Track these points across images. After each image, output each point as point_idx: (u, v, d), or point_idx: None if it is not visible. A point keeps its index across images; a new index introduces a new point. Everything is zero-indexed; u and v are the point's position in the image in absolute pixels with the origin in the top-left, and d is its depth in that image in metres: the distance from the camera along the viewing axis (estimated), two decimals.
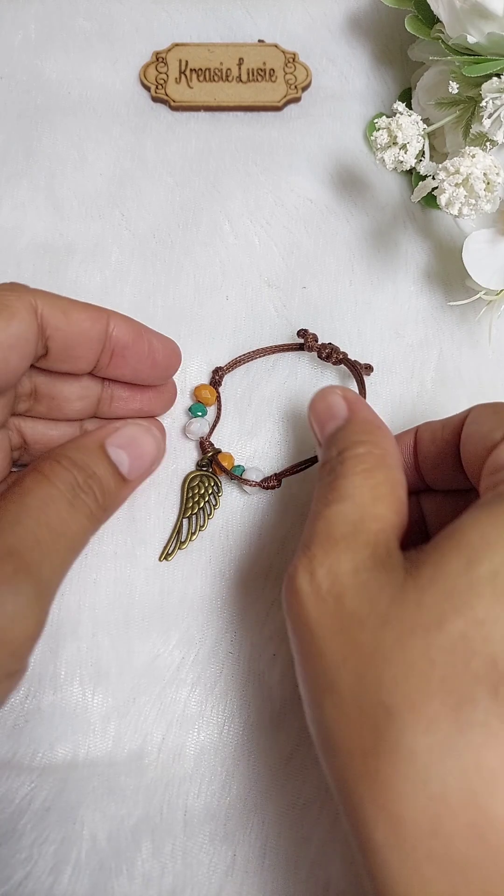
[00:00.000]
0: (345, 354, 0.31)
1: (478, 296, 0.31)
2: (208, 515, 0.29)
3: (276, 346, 0.31)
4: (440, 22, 0.31)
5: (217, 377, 0.31)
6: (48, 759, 0.27)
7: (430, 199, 0.31)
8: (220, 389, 0.31)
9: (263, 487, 0.29)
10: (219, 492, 0.29)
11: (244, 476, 0.29)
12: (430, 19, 0.32)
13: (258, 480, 0.29)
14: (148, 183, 0.35)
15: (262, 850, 0.26)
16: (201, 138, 0.36)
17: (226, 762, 0.27)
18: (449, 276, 0.34)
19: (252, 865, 0.26)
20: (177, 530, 0.29)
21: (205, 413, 0.30)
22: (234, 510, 0.30)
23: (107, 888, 0.26)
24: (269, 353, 0.31)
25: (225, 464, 0.29)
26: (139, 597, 0.29)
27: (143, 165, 0.35)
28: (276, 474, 0.29)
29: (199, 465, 0.30)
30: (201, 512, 0.29)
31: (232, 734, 0.27)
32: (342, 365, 0.31)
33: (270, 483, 0.29)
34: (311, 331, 0.31)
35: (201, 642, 0.28)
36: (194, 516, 0.29)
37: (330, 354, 0.30)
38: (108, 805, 0.26)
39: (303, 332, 0.31)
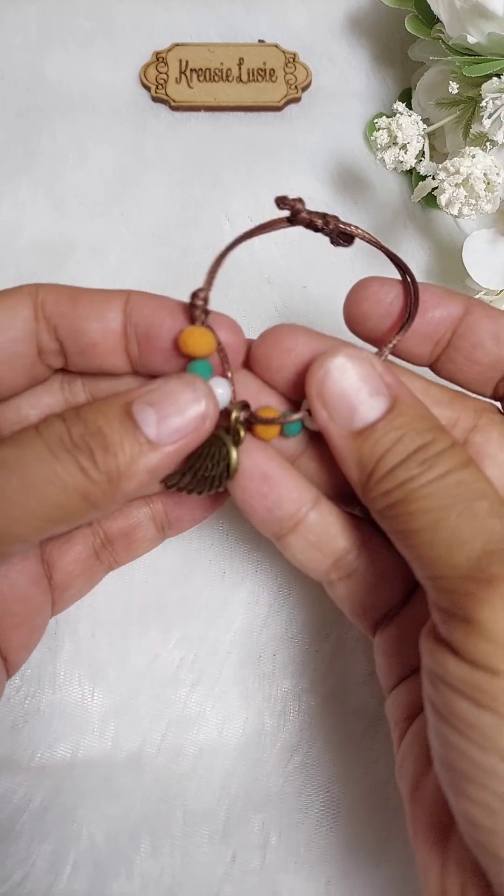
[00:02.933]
0: (336, 220, 0.20)
1: (478, 296, 0.31)
2: (209, 489, 0.21)
3: (249, 232, 0.21)
4: (440, 22, 0.31)
5: (201, 307, 0.20)
6: (47, 758, 0.27)
7: (430, 199, 0.31)
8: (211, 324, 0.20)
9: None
10: (228, 474, 0.20)
11: (305, 419, 0.21)
12: (430, 19, 0.32)
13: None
14: (148, 182, 0.35)
15: (260, 849, 0.26)
16: (201, 138, 0.36)
17: (225, 762, 0.27)
18: (449, 276, 0.34)
19: (252, 865, 0.26)
20: (183, 471, 0.21)
21: (209, 370, 0.20)
22: (234, 507, 0.30)
23: (105, 888, 0.26)
24: (242, 241, 0.21)
25: (265, 434, 0.21)
26: (139, 597, 0.29)
27: (143, 165, 0.35)
28: None
29: (232, 424, 0.21)
30: (208, 480, 0.21)
31: (231, 734, 0.27)
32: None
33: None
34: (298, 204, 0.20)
35: (201, 642, 0.28)
36: (202, 477, 0.21)
37: (328, 223, 0.20)
38: (106, 805, 0.26)
39: (281, 200, 0.20)
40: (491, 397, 0.22)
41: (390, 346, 0.21)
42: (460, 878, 0.18)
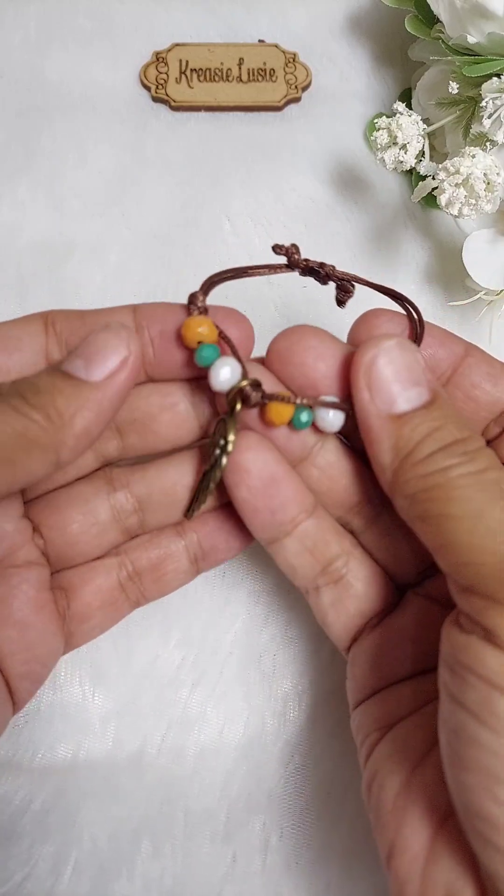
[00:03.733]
0: (332, 268, 0.22)
1: (478, 296, 0.31)
2: (214, 478, 0.21)
3: (255, 267, 0.23)
4: (440, 22, 0.31)
5: (201, 300, 0.21)
6: (48, 759, 0.27)
7: (431, 199, 0.31)
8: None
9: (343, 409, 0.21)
10: (224, 451, 0.21)
11: (317, 416, 0.21)
12: (430, 19, 0.32)
13: (337, 424, 0.21)
14: (148, 182, 0.35)
15: (262, 850, 0.26)
16: (202, 138, 0.36)
17: (226, 763, 0.27)
18: (449, 276, 0.34)
19: (252, 865, 0.26)
20: (197, 486, 0.23)
21: (217, 351, 0.21)
22: None
23: (107, 889, 0.26)
24: (249, 275, 0.22)
25: (275, 416, 0.21)
26: None
27: (143, 165, 0.35)
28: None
29: (230, 405, 0.21)
30: (211, 471, 0.21)
31: (232, 735, 0.27)
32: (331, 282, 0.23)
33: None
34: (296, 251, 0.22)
35: (201, 642, 0.28)
36: (207, 474, 0.22)
37: (324, 267, 0.22)
38: (107, 806, 0.26)
39: (277, 247, 0.22)
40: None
41: None
42: (446, 877, 0.18)
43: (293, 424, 0.21)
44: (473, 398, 0.22)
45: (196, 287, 0.21)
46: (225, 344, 0.21)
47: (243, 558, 0.29)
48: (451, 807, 0.18)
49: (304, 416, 0.21)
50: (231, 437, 0.20)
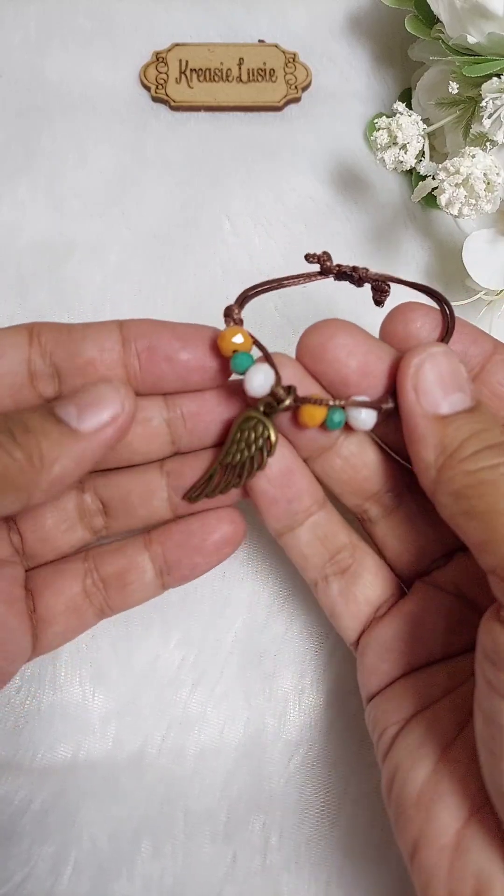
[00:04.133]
0: (365, 271, 0.23)
1: (478, 296, 0.31)
2: (248, 473, 0.22)
3: (289, 277, 0.24)
4: (440, 22, 0.31)
5: (236, 313, 0.22)
6: (48, 759, 0.27)
7: (431, 199, 0.31)
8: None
9: (377, 408, 0.21)
10: (269, 450, 0.22)
11: (350, 416, 0.21)
12: (430, 19, 0.32)
13: (372, 419, 0.21)
14: (148, 182, 0.35)
15: (262, 850, 0.26)
16: (201, 138, 0.36)
17: (226, 763, 0.27)
18: (449, 276, 0.34)
19: (252, 865, 0.26)
20: (209, 474, 0.23)
21: (251, 359, 0.21)
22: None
23: (107, 889, 0.26)
24: (284, 286, 0.23)
25: (308, 419, 0.21)
26: None
27: (143, 164, 0.35)
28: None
29: (265, 409, 0.22)
30: (241, 467, 0.22)
31: (232, 735, 0.27)
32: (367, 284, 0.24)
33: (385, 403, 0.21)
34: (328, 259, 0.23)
35: (202, 642, 0.28)
36: (231, 467, 0.22)
37: (357, 271, 0.23)
38: (107, 806, 0.26)
39: (310, 255, 0.23)
40: None
41: None
42: (477, 866, 0.18)
43: (326, 426, 0.21)
44: (499, 395, 0.22)
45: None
46: (259, 349, 0.22)
47: (243, 558, 0.29)
48: (483, 796, 0.18)
49: (337, 417, 0.21)
50: (274, 439, 0.21)
